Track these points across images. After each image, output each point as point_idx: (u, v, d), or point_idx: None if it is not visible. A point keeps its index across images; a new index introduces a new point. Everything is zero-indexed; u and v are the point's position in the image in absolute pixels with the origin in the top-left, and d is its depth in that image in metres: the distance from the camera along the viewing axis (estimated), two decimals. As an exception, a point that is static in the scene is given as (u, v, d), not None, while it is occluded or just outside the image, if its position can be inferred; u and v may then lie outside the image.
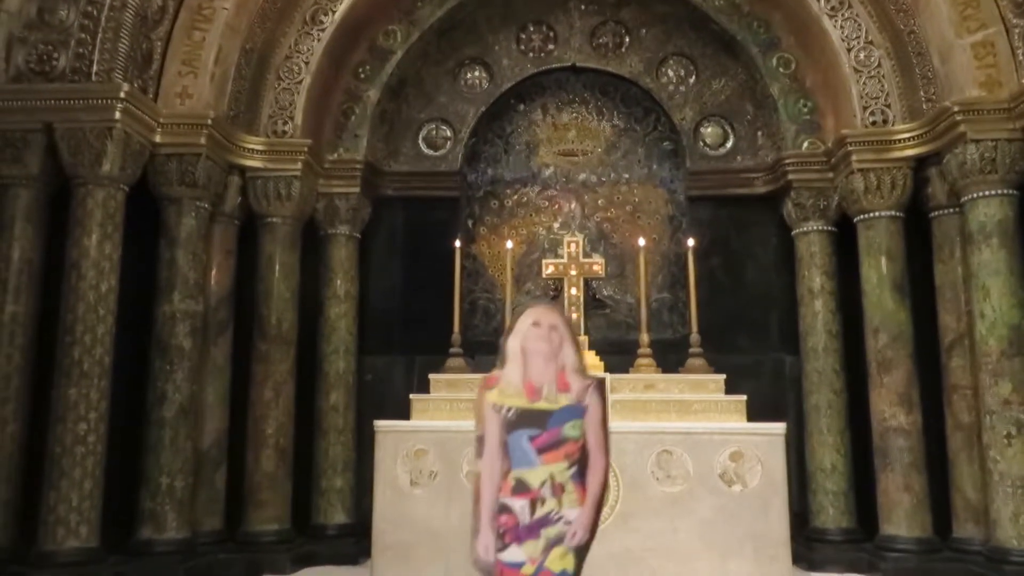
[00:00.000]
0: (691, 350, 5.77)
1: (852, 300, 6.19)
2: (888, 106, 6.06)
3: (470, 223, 7.27)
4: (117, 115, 5.17)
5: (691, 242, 6.07)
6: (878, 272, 5.93)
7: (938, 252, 5.87)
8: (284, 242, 6.28)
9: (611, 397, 5.35)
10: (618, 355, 5.98)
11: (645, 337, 5.87)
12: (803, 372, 6.35)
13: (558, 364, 0.73)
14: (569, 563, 0.65)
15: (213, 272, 5.98)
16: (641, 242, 6.12)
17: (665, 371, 5.73)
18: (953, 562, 5.42)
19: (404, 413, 5.48)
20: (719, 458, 5.02)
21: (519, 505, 0.67)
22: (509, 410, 0.70)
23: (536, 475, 0.68)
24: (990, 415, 5.21)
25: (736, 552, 4.87)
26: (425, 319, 6.67)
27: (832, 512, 6.03)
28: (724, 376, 5.55)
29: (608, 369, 5.56)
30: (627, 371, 5.69)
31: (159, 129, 5.60)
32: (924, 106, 5.84)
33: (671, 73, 7.15)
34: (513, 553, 0.65)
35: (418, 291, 6.85)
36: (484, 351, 6.46)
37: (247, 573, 5.57)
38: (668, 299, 7.06)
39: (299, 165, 6.23)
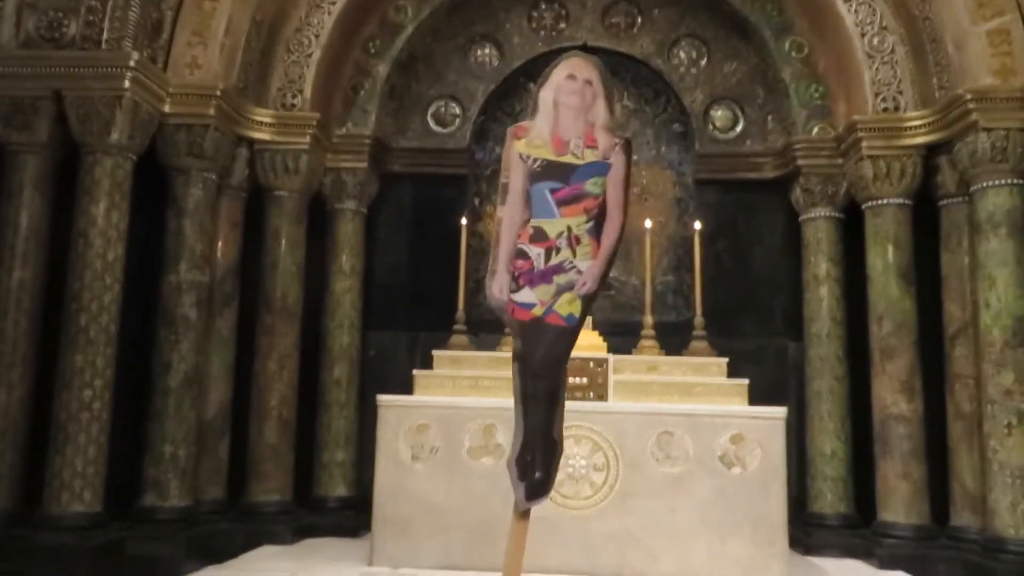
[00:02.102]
0: (694, 333, 5.77)
1: (857, 287, 6.19)
2: (900, 93, 6.02)
3: (477, 201, 7.26)
4: (126, 84, 5.16)
5: (698, 225, 6.05)
6: (884, 260, 5.92)
7: (945, 241, 5.85)
8: (291, 216, 6.29)
9: (613, 378, 5.37)
10: (622, 336, 5.99)
11: (649, 319, 5.86)
12: (806, 358, 6.37)
13: (588, 120, 0.73)
14: (576, 308, 0.68)
15: (219, 244, 6.00)
16: (647, 224, 6.10)
17: (668, 354, 5.73)
18: (949, 550, 5.45)
19: (407, 389, 5.51)
20: (719, 440, 5.03)
21: (536, 252, 0.68)
22: (535, 161, 0.70)
23: (554, 226, 0.69)
24: (991, 405, 5.21)
25: (734, 534, 4.90)
26: (430, 296, 6.68)
27: (830, 497, 6.07)
28: (727, 360, 5.56)
29: (611, 350, 5.57)
30: (630, 353, 5.69)
31: (168, 99, 5.59)
32: (936, 93, 5.80)
33: (682, 55, 7.11)
34: (526, 295, 0.67)
35: (423, 268, 6.86)
36: (488, 329, 6.47)
37: (248, 542, 5.62)
38: (673, 282, 7.06)
39: (307, 139, 6.22)
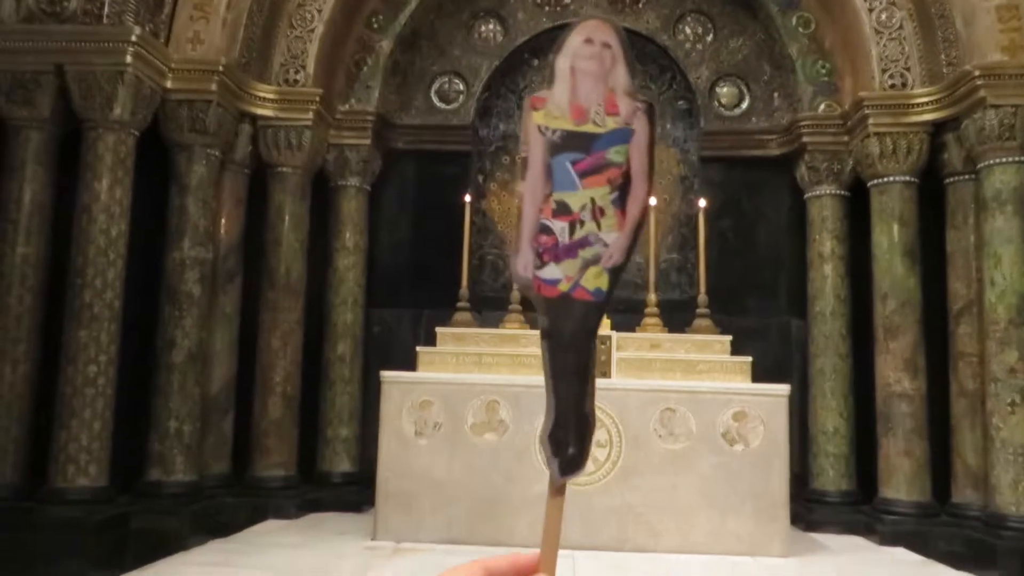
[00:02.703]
0: (698, 311, 5.76)
1: (862, 265, 6.17)
2: (908, 69, 5.97)
3: (480, 178, 7.24)
4: (128, 59, 5.14)
5: (702, 203, 6.03)
6: (889, 237, 5.90)
7: (951, 219, 5.83)
8: (294, 192, 6.28)
9: (617, 355, 5.38)
10: (625, 314, 5.98)
11: (653, 297, 5.86)
12: (809, 336, 6.37)
13: (608, 85, 0.70)
14: (604, 282, 0.66)
15: (223, 220, 6.00)
16: (652, 202, 6.08)
17: (672, 331, 5.72)
18: (950, 526, 5.47)
19: (410, 366, 5.52)
20: (722, 417, 5.04)
21: (559, 227, 0.67)
22: (554, 132, 0.68)
23: (577, 199, 0.67)
24: (995, 383, 5.21)
25: (735, 510, 4.93)
26: (433, 273, 6.68)
27: (832, 474, 6.09)
28: (730, 337, 5.56)
29: (615, 328, 5.57)
30: (634, 330, 5.70)
31: (170, 74, 5.57)
32: (944, 70, 5.75)
33: (688, 31, 7.05)
34: (551, 271, 0.66)
35: (427, 245, 6.85)
36: (492, 306, 6.49)
37: (253, 517, 5.66)
38: (677, 260, 7.05)
39: (310, 115, 6.20)
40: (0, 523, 4.61)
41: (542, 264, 0.79)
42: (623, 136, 0.79)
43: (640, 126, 0.79)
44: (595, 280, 0.79)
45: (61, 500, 4.77)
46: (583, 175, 0.80)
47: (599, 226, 0.80)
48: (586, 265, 0.79)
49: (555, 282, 0.78)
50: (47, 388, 5.05)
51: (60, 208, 5.25)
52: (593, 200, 0.80)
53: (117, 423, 5.11)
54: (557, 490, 0.74)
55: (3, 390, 4.96)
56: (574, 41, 0.79)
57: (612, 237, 0.79)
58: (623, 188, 0.80)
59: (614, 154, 0.79)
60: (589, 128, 0.80)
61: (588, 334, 0.78)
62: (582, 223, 0.80)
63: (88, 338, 4.95)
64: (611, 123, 0.80)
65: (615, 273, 0.79)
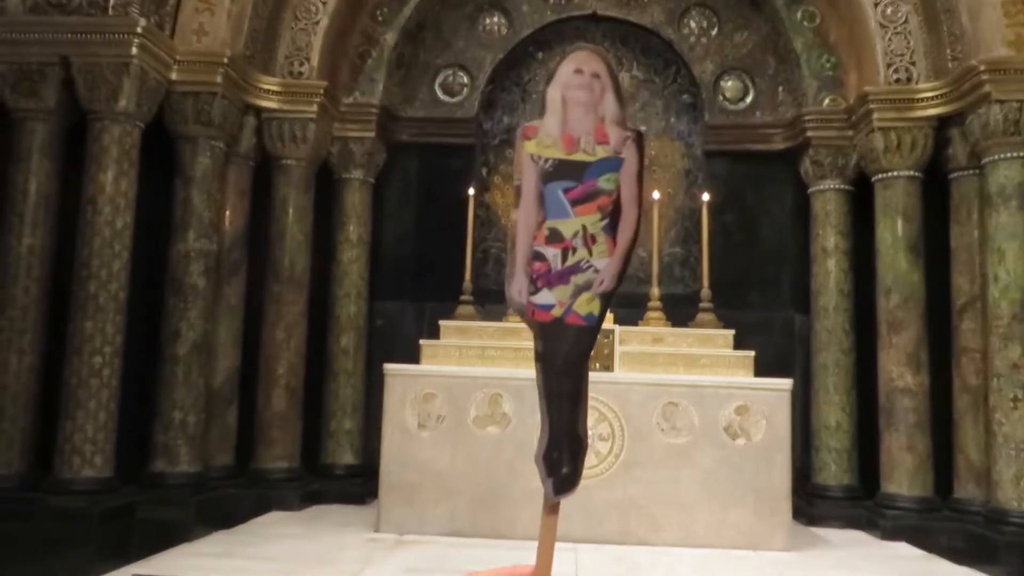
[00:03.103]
0: (701, 305, 5.78)
1: (865, 260, 6.17)
2: (913, 64, 5.95)
3: (484, 171, 7.25)
4: (134, 50, 5.15)
5: (706, 197, 6.04)
6: (893, 232, 5.89)
7: (955, 214, 5.82)
8: (298, 185, 6.29)
9: (619, 349, 5.39)
10: (628, 308, 5.99)
11: (656, 291, 5.88)
12: (812, 330, 6.37)
13: (598, 114, 0.72)
14: (595, 307, 0.68)
15: (227, 212, 6.01)
16: (655, 196, 6.09)
17: (675, 325, 5.74)
18: (952, 521, 5.48)
19: (413, 358, 5.54)
20: (724, 411, 5.06)
21: (552, 253, 0.69)
22: (547, 161, 0.70)
23: (569, 226, 0.69)
24: (998, 378, 5.21)
25: (737, 503, 4.94)
26: (437, 266, 6.70)
27: (834, 469, 6.10)
28: (733, 331, 5.57)
29: (617, 321, 5.58)
30: (636, 324, 5.71)
31: (175, 66, 5.57)
32: (949, 65, 5.73)
33: (693, 24, 7.04)
34: (544, 296, 0.68)
35: (431, 238, 6.86)
36: (495, 300, 6.50)
37: (256, 508, 5.69)
38: (680, 254, 7.06)
39: (315, 107, 6.20)
40: (6, 513, 4.64)
41: (536, 290, 0.82)
42: (613, 165, 0.82)
43: (629, 155, 0.82)
44: (587, 305, 0.83)
45: (66, 490, 4.80)
46: (575, 203, 0.83)
47: (591, 253, 0.83)
48: (578, 291, 0.82)
49: (548, 307, 0.82)
50: (53, 379, 5.07)
51: (65, 200, 5.27)
52: (585, 227, 0.83)
53: (122, 414, 5.14)
54: (551, 508, 0.77)
55: (9, 380, 4.98)
56: (565, 71, 0.82)
57: (603, 263, 0.82)
58: (613, 215, 0.83)
59: (604, 182, 0.82)
60: (580, 156, 0.82)
61: (580, 357, 0.81)
62: (574, 250, 0.83)
63: (93, 329, 4.97)
64: (601, 152, 0.83)
65: (606, 298, 0.82)
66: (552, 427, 0.77)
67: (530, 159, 0.80)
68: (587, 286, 0.81)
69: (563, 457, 0.78)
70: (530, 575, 0.72)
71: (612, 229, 0.81)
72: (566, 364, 0.78)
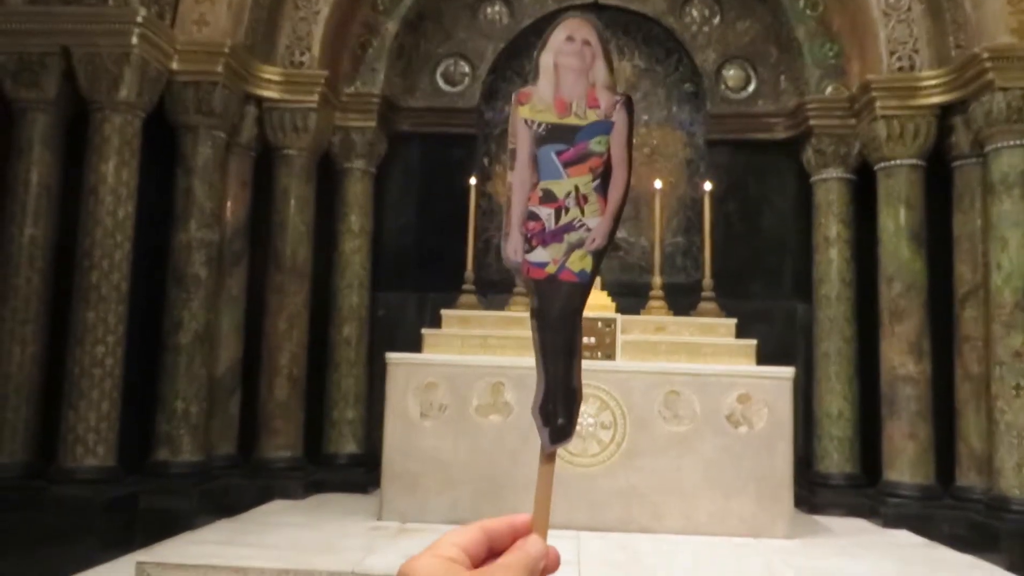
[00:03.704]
0: (703, 294, 5.77)
1: (867, 249, 6.17)
2: (916, 52, 5.93)
3: (486, 161, 7.23)
4: (134, 40, 5.14)
5: (708, 186, 6.02)
6: (896, 221, 5.89)
7: (958, 202, 5.81)
8: (300, 175, 6.29)
9: (622, 338, 5.39)
10: (630, 297, 5.99)
11: (658, 280, 5.87)
12: (815, 319, 6.37)
13: (589, 80, 0.73)
14: (588, 264, 0.71)
15: (229, 203, 6.01)
16: (657, 185, 6.07)
17: (677, 314, 5.73)
18: (954, 509, 5.49)
19: (416, 348, 5.54)
20: (726, 400, 5.06)
21: (546, 213, 0.71)
22: (540, 125, 0.72)
23: (562, 187, 0.71)
24: (1000, 366, 5.21)
25: (739, 492, 4.95)
26: (439, 256, 6.70)
27: (836, 457, 6.11)
28: (735, 320, 5.56)
29: (620, 311, 5.58)
30: (639, 313, 5.70)
31: (176, 56, 5.57)
32: (952, 52, 5.71)
33: (695, 13, 7.01)
34: (539, 254, 0.70)
35: (432, 228, 6.86)
36: (497, 289, 6.50)
37: (259, 497, 5.70)
38: (682, 243, 7.05)
39: (316, 97, 6.19)
40: (10, 503, 4.66)
41: (531, 248, 0.85)
42: (604, 128, 0.86)
43: (619, 118, 0.86)
44: (580, 262, 0.86)
45: (70, 480, 4.82)
46: (567, 165, 0.86)
47: (583, 212, 0.87)
48: (571, 248, 0.86)
49: (543, 265, 0.85)
50: (56, 369, 5.08)
51: (67, 190, 5.27)
52: (577, 188, 0.87)
53: (125, 404, 5.16)
54: (547, 457, 0.80)
55: (12, 370, 5.00)
56: (557, 38, 0.86)
57: (595, 222, 0.86)
58: (604, 176, 0.87)
59: (595, 144, 0.86)
60: (572, 120, 0.86)
61: (574, 313, 0.84)
62: (567, 209, 0.87)
63: (96, 319, 4.98)
64: (592, 116, 0.86)
65: (598, 255, 0.86)
66: (547, 380, 0.80)
67: (524, 123, 0.84)
68: (579, 244, 0.84)
69: (558, 408, 0.81)
70: (528, 521, 0.75)
71: (603, 189, 0.85)
72: (560, 319, 0.82)
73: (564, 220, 0.84)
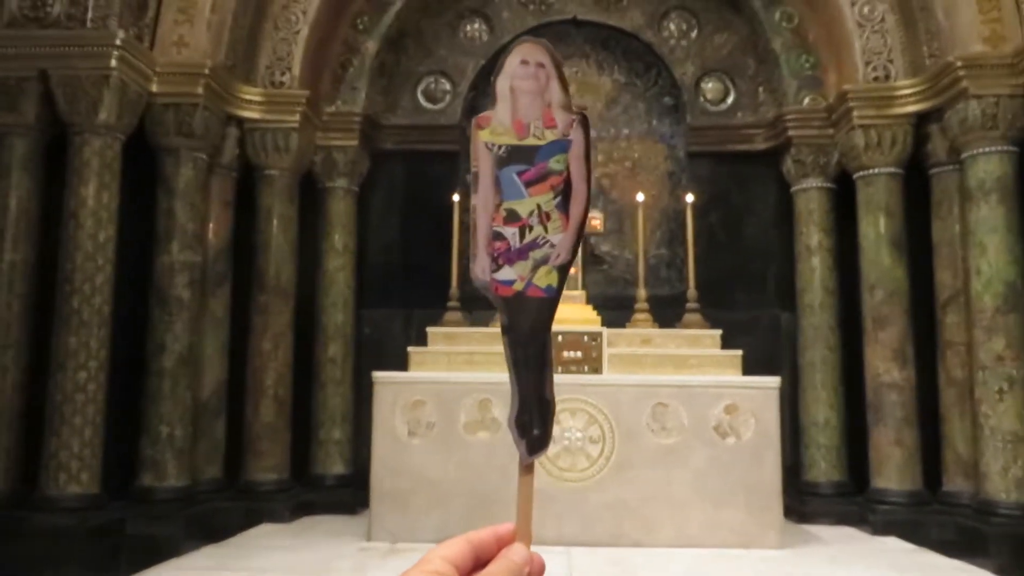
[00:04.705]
0: (688, 305, 5.80)
1: (849, 257, 6.22)
2: (891, 61, 6.01)
3: (469, 178, 7.21)
4: (113, 63, 5.12)
5: (690, 198, 6.07)
6: (876, 229, 5.94)
7: (936, 209, 5.88)
8: (282, 194, 6.27)
9: (608, 351, 5.40)
10: (616, 310, 6.02)
11: (643, 292, 5.89)
12: (799, 328, 6.40)
13: (545, 101, 0.74)
14: (553, 279, 0.72)
15: (211, 224, 5.98)
16: (640, 198, 6.11)
17: (662, 326, 5.76)
18: (942, 514, 5.51)
19: (402, 366, 5.53)
20: (714, 411, 5.07)
21: (510, 232, 0.71)
22: (500, 147, 0.72)
23: (525, 206, 0.71)
24: (983, 371, 5.25)
25: (728, 502, 4.95)
26: (423, 273, 6.69)
27: (824, 466, 6.13)
28: (720, 331, 5.59)
29: (605, 324, 5.59)
30: (624, 326, 5.72)
31: (156, 78, 5.54)
32: (927, 62, 5.80)
33: (673, 27, 7.08)
34: (506, 273, 0.70)
35: (416, 245, 6.85)
36: (482, 305, 6.48)
37: (247, 521, 5.65)
38: (666, 255, 7.08)
39: (297, 117, 6.19)
40: (-8, 532, 4.58)
41: (497, 267, 0.88)
42: (562, 146, 0.90)
43: (576, 136, 0.89)
44: (546, 278, 0.89)
45: (53, 508, 4.74)
46: (528, 184, 0.89)
47: (546, 229, 0.90)
48: (537, 265, 0.89)
49: (510, 282, 0.88)
50: (38, 395, 5.02)
51: (47, 214, 5.22)
52: (539, 206, 0.90)
53: (109, 429, 5.09)
54: (526, 468, 0.83)
55: (-7, 398, 4.93)
56: (511, 63, 0.89)
57: (558, 238, 0.89)
58: (565, 193, 0.90)
59: (555, 163, 0.89)
60: (531, 141, 0.90)
61: (543, 326, 0.88)
62: (531, 228, 0.90)
63: (78, 344, 4.92)
64: (550, 135, 0.90)
65: (563, 270, 0.89)
66: (521, 393, 0.83)
67: (484, 147, 0.87)
68: (545, 260, 0.87)
69: (533, 420, 0.83)
70: (512, 530, 0.78)
71: (564, 206, 0.88)
72: (530, 333, 0.84)
73: (528, 238, 0.87)
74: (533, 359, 0.87)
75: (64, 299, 4.97)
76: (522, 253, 0.89)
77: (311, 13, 6.31)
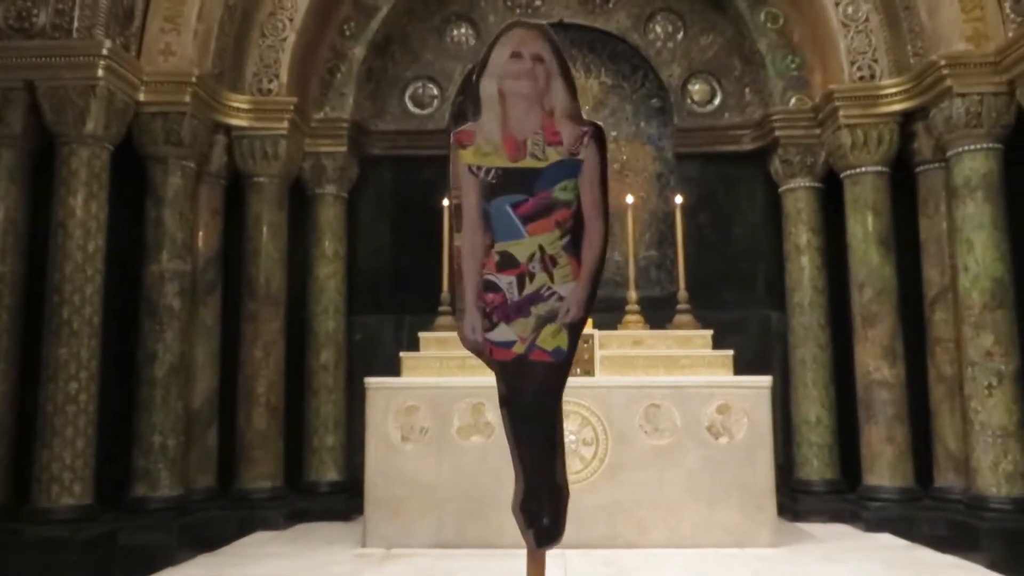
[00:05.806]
0: (679, 306, 5.81)
1: (838, 256, 6.25)
2: (875, 61, 6.06)
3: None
4: (100, 72, 5.10)
5: (679, 199, 6.09)
6: (864, 227, 5.98)
7: (923, 207, 5.92)
8: (271, 202, 6.26)
9: (600, 353, 5.41)
10: (606, 313, 6.00)
11: (633, 294, 5.91)
12: (789, 327, 6.44)
13: (545, 108, 0.63)
14: (563, 340, 0.62)
15: (200, 232, 5.96)
16: (629, 200, 6.12)
17: (653, 327, 5.77)
18: (934, 510, 5.54)
19: (394, 372, 5.52)
20: (706, 411, 5.09)
21: (506, 281, 0.62)
22: (488, 172, 0.62)
23: (523, 248, 0.62)
24: (972, 367, 5.29)
25: (722, 502, 4.97)
26: (414, 278, 6.69)
27: (816, 464, 6.16)
28: (711, 332, 5.61)
29: (596, 326, 5.60)
30: (615, 328, 5.73)
31: (143, 87, 5.53)
32: (911, 61, 5.84)
33: (659, 29, 7.11)
34: (502, 332, 0.61)
35: (407, 250, 6.86)
36: (473, 309, 6.49)
37: (241, 529, 5.63)
38: (656, 256, 7.10)
39: (285, 124, 6.18)
40: (-16, 545, 4.55)
41: (492, 325, 0.74)
42: (570, 169, 0.73)
43: (589, 155, 0.73)
44: (553, 339, 0.75)
45: (46, 520, 4.72)
46: (527, 220, 0.74)
47: (552, 278, 0.75)
48: (541, 323, 0.74)
49: (508, 344, 0.74)
50: (28, 407, 4.99)
51: (35, 225, 5.20)
52: (542, 248, 0.75)
53: (100, 439, 5.07)
54: (535, 560, 0.71)
55: (-17, 411, 4.90)
56: (500, 56, 0.72)
57: (567, 289, 0.74)
58: (575, 231, 0.74)
59: (561, 191, 0.74)
60: (528, 163, 0.74)
61: (552, 397, 0.73)
62: (532, 275, 0.75)
63: (68, 355, 4.90)
64: (553, 154, 0.74)
65: (575, 329, 0.74)
66: (526, 475, 0.70)
67: (468, 171, 0.72)
68: (551, 317, 0.73)
69: (542, 508, 0.70)
70: None
71: (575, 247, 0.72)
72: (535, 406, 0.70)
73: (529, 289, 0.73)
74: (540, 437, 0.73)
75: (54, 310, 4.95)
76: (522, 308, 0.75)
77: (298, 20, 6.30)
